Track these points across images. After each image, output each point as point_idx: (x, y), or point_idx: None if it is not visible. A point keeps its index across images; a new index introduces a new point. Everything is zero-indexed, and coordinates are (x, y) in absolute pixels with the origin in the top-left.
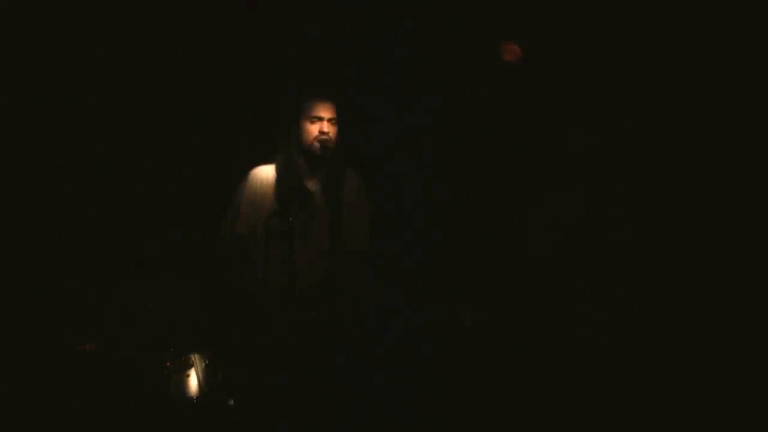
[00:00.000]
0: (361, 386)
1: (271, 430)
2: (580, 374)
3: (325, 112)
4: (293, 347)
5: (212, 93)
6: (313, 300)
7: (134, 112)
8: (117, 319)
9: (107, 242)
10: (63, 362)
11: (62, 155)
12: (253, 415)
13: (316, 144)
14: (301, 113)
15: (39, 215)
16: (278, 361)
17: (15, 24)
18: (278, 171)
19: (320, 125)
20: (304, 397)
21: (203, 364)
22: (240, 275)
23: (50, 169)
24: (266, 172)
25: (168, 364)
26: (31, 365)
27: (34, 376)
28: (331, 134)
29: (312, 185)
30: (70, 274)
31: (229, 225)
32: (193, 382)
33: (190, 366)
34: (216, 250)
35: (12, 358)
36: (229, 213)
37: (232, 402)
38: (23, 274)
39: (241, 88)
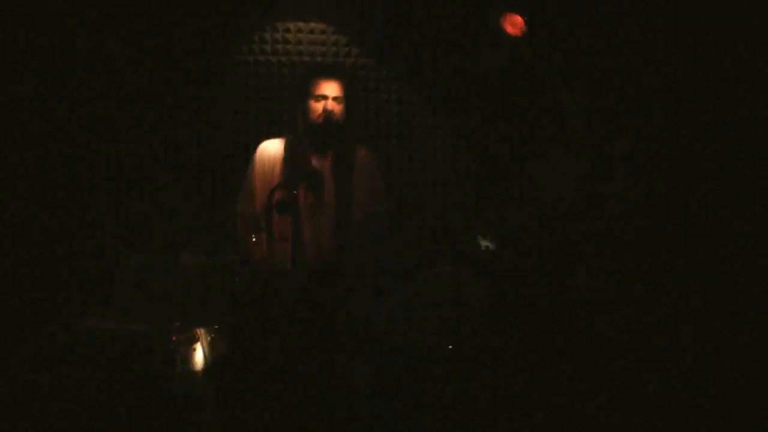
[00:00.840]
0: (366, 374)
1: (271, 407)
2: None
3: (330, 90)
4: (298, 327)
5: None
6: (320, 279)
7: (149, 87)
8: (126, 293)
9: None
10: (71, 337)
11: (80, 130)
12: (254, 392)
13: (320, 121)
14: (306, 92)
15: (52, 187)
16: (282, 339)
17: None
18: (286, 147)
19: (324, 103)
20: (303, 378)
21: (209, 338)
22: (250, 251)
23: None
24: (275, 146)
25: (174, 338)
26: (38, 340)
27: (41, 350)
28: (336, 112)
29: (319, 163)
30: (79, 248)
31: (241, 200)
32: (198, 356)
33: (196, 340)
34: (231, 225)
35: (20, 334)
36: (241, 188)
37: None
38: (32, 248)
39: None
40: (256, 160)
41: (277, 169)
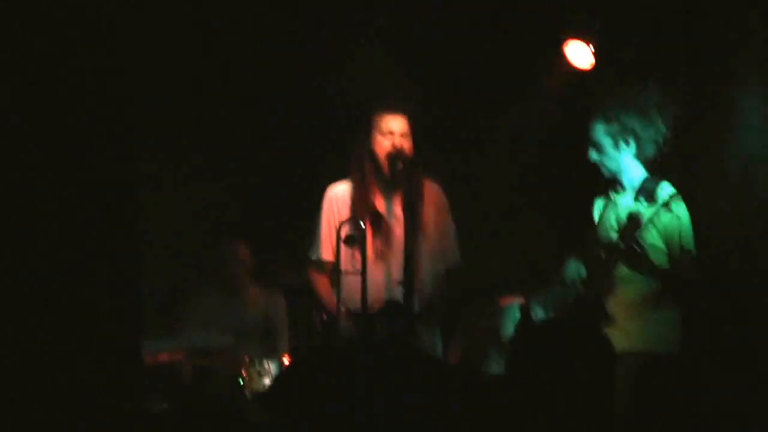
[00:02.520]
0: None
1: None
2: None
3: (397, 125)
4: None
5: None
6: (387, 323)
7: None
8: (198, 327)
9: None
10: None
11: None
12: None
13: (389, 158)
14: (373, 127)
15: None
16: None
17: None
18: (352, 189)
19: (392, 139)
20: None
21: (263, 371)
22: (327, 295)
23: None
24: (342, 189)
25: (244, 372)
26: (107, 372)
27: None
28: (404, 148)
29: (385, 204)
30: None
31: (311, 247)
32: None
33: (267, 373)
34: (302, 271)
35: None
36: (313, 235)
37: None
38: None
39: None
40: (324, 205)
41: (346, 210)
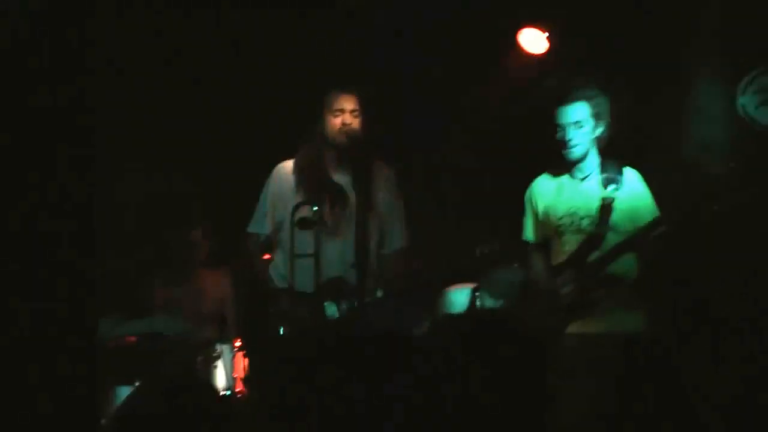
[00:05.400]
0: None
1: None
2: None
3: (348, 103)
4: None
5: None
6: (338, 299)
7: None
8: (150, 312)
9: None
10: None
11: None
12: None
13: (339, 135)
14: (324, 107)
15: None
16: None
17: None
18: (300, 164)
19: (342, 117)
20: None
21: (231, 356)
22: (267, 273)
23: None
24: (289, 168)
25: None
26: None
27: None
28: (353, 125)
29: (339, 179)
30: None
31: (253, 221)
32: (220, 373)
33: (218, 357)
34: (246, 249)
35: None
36: (256, 212)
37: None
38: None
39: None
40: (271, 182)
41: (290, 186)
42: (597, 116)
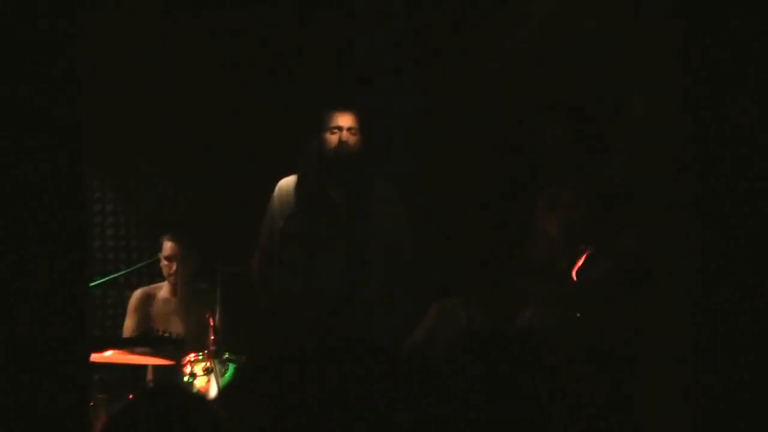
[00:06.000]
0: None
1: None
2: None
3: (345, 121)
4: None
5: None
6: (331, 314)
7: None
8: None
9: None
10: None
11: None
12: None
13: (336, 153)
14: (321, 125)
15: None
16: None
17: None
18: (299, 178)
19: (339, 135)
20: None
21: (222, 370)
22: (269, 286)
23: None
24: (290, 182)
25: (189, 370)
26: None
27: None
28: (350, 142)
29: (336, 196)
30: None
31: (261, 238)
32: (212, 387)
33: (210, 371)
34: (253, 263)
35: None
36: (262, 227)
37: None
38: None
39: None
40: (275, 197)
41: (292, 202)
42: None
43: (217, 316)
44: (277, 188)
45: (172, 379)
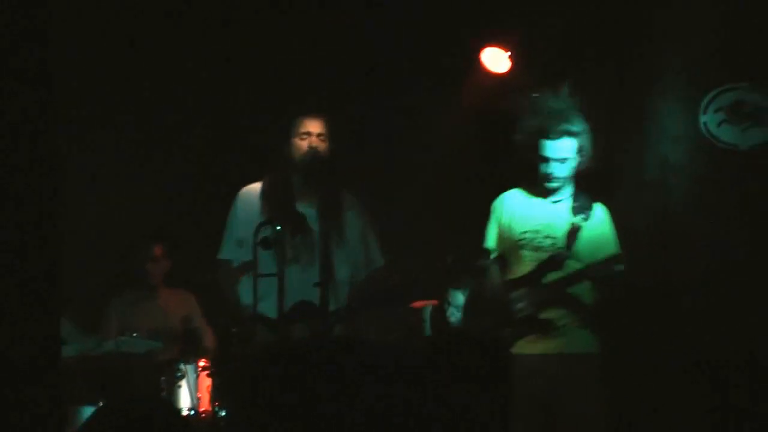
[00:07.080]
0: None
1: None
2: None
3: (314, 127)
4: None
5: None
6: (302, 320)
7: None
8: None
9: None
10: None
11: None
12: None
13: (305, 159)
14: (291, 131)
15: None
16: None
17: None
18: (266, 189)
19: (309, 140)
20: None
21: (195, 376)
22: (234, 296)
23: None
24: (254, 192)
25: (162, 377)
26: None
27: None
28: (320, 149)
29: (305, 207)
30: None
31: (226, 250)
32: (184, 393)
33: (182, 377)
34: (213, 272)
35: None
36: (225, 238)
37: None
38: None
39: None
40: (237, 206)
41: (256, 211)
42: (581, 150)
43: (195, 322)
44: (238, 197)
45: (141, 388)
